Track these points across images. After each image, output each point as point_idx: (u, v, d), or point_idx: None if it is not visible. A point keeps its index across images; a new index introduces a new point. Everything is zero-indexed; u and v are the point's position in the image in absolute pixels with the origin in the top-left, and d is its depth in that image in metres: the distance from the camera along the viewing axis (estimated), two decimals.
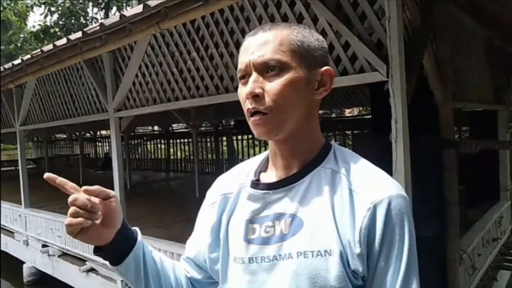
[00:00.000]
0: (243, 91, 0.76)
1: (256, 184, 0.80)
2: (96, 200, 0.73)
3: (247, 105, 0.75)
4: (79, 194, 0.72)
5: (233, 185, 0.84)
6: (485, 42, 4.25)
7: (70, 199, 0.71)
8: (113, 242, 0.77)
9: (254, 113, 0.74)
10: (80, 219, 0.71)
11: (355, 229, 0.69)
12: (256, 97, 0.73)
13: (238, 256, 0.77)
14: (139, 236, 0.82)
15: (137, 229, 0.84)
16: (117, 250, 0.79)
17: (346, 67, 2.50)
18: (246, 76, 0.76)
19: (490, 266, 4.05)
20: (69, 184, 0.73)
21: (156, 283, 0.84)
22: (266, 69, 0.74)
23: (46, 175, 0.73)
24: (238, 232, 0.78)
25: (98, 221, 0.74)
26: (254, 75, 0.74)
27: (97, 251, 0.79)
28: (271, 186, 0.78)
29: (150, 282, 0.83)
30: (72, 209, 0.71)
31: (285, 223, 0.73)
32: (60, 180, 0.73)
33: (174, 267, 0.89)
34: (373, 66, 2.35)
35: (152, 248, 0.86)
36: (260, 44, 0.74)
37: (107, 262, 0.80)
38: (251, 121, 0.75)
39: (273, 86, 0.73)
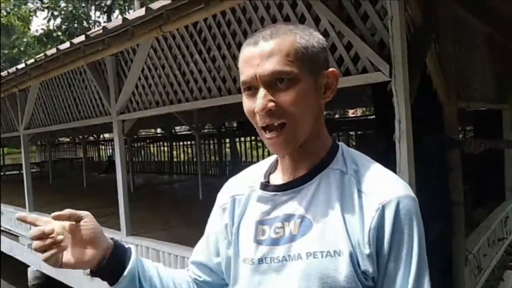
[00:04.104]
0: (251, 106, 0.73)
1: (265, 185, 0.80)
2: (66, 224, 0.76)
3: (258, 122, 0.73)
4: (34, 228, 0.74)
5: (243, 187, 0.85)
6: (487, 39, 4.23)
7: (28, 234, 0.75)
8: (105, 262, 0.79)
9: (268, 129, 0.72)
10: (48, 253, 0.73)
11: (364, 230, 0.69)
12: (268, 111, 0.71)
13: (248, 257, 0.76)
14: (133, 254, 0.82)
15: (131, 246, 0.84)
16: (110, 269, 0.80)
17: (348, 68, 2.49)
18: (252, 88, 0.73)
19: (496, 266, 4.02)
20: (39, 219, 0.76)
21: None
22: (275, 81, 0.71)
23: (18, 215, 0.78)
24: (248, 233, 0.78)
25: (66, 244, 0.75)
26: (263, 90, 0.71)
27: (93, 273, 0.81)
28: (280, 188, 0.78)
29: None
30: (34, 243, 0.73)
31: (294, 224, 0.73)
32: (31, 217, 0.76)
33: (173, 277, 0.89)
34: (375, 66, 2.34)
35: (150, 263, 0.86)
36: (265, 56, 0.71)
37: (105, 283, 0.82)
38: (266, 138, 0.74)
39: (286, 98, 0.70)
